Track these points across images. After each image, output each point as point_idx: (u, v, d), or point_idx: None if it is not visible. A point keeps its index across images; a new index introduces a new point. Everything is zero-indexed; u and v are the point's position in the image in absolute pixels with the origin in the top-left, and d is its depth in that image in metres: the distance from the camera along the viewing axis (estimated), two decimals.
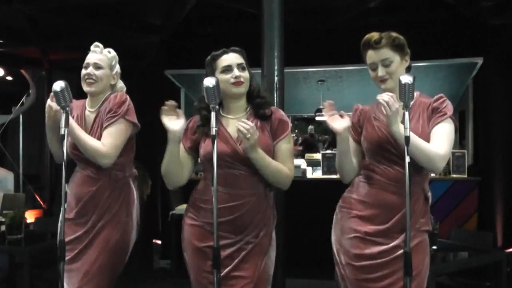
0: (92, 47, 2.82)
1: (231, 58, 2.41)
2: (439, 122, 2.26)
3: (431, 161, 2.19)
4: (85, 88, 2.77)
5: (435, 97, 2.32)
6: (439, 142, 2.22)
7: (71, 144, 2.67)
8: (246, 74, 2.42)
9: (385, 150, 2.28)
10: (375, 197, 2.30)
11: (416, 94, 2.30)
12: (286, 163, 2.39)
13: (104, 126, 2.68)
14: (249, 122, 2.20)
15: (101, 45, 2.83)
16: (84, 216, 2.70)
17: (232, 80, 2.37)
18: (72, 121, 2.56)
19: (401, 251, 2.18)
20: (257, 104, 2.44)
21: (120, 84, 2.90)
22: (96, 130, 2.73)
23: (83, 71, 2.77)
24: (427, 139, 2.23)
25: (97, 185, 2.70)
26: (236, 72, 2.38)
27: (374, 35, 2.32)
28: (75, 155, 2.73)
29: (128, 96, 2.78)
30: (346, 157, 2.36)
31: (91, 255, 2.67)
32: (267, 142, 2.37)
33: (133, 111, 2.74)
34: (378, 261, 2.26)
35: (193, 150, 2.46)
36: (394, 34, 2.33)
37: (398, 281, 2.19)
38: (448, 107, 2.28)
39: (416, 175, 2.23)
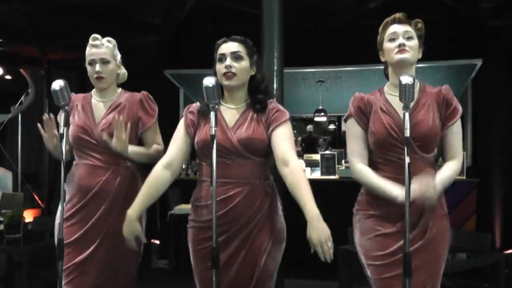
0: (91, 41, 2.72)
1: (227, 46, 2.33)
2: (454, 122, 2.30)
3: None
4: (97, 85, 2.73)
5: (444, 87, 2.33)
6: (456, 149, 2.32)
7: (78, 133, 2.64)
8: (241, 64, 2.31)
9: (393, 145, 2.25)
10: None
11: (419, 84, 2.34)
12: (285, 147, 2.23)
13: (147, 127, 2.74)
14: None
15: (99, 37, 2.74)
16: (92, 208, 2.62)
17: (223, 71, 2.29)
18: (131, 146, 2.64)
19: (420, 242, 2.22)
20: (257, 100, 2.36)
21: (123, 70, 2.85)
22: (117, 116, 2.64)
23: (90, 69, 2.70)
24: (436, 130, 2.26)
25: (107, 173, 2.64)
26: (227, 61, 2.29)
27: (399, 13, 2.33)
28: (83, 142, 2.66)
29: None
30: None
31: (109, 248, 2.62)
32: (262, 134, 2.30)
33: None
34: (398, 256, 2.20)
35: (193, 137, 2.38)
36: (418, 19, 2.35)
37: (420, 275, 2.18)
38: (456, 101, 2.33)
39: (421, 162, 2.25)
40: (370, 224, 2.32)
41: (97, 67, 2.68)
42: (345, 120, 2.42)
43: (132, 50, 6.86)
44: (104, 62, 2.70)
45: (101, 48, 2.70)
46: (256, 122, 2.32)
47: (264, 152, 2.31)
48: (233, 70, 2.30)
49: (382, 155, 2.30)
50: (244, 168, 2.26)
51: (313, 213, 2.04)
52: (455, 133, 2.31)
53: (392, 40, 2.30)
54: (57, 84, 2.30)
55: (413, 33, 2.30)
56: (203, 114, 2.36)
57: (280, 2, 3.85)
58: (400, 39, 2.28)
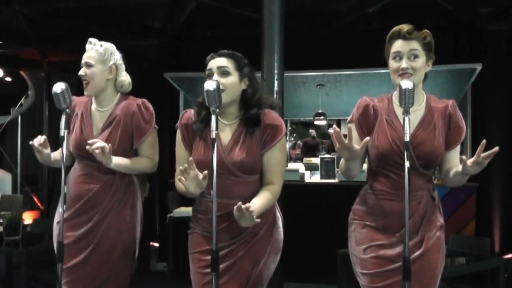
0: (87, 45, 2.69)
1: (214, 62, 2.31)
2: (459, 144, 2.30)
3: None
4: (85, 92, 2.67)
5: (451, 103, 2.30)
6: (458, 161, 2.28)
7: (77, 144, 2.63)
8: (228, 80, 2.28)
9: (394, 161, 2.21)
10: (382, 208, 2.25)
11: (426, 98, 2.31)
12: (274, 175, 2.30)
13: (143, 139, 2.66)
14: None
15: (94, 40, 2.68)
16: (85, 215, 2.61)
17: None
18: (116, 159, 2.52)
19: (417, 252, 2.21)
20: (250, 116, 2.30)
21: (122, 77, 2.74)
22: (113, 133, 2.63)
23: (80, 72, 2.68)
24: (440, 150, 2.24)
25: (102, 182, 2.62)
26: (214, 77, 2.26)
27: (406, 26, 2.22)
28: (81, 156, 2.65)
29: (148, 102, 2.73)
30: (353, 169, 2.31)
31: (103, 255, 2.61)
32: (256, 154, 2.28)
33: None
34: (396, 265, 2.19)
35: (191, 149, 2.36)
36: (426, 31, 2.24)
37: (415, 285, 2.15)
38: (461, 118, 2.31)
39: (420, 178, 2.24)
40: (366, 234, 2.30)
41: (81, 70, 2.65)
42: (348, 123, 2.38)
43: (132, 53, 6.84)
44: (88, 65, 2.64)
45: (90, 52, 2.66)
46: (250, 141, 2.29)
47: (259, 170, 2.31)
48: (221, 86, 2.23)
49: (381, 169, 2.27)
50: (241, 185, 2.27)
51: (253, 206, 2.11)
52: (457, 151, 2.32)
53: (396, 58, 2.23)
54: (58, 87, 2.30)
55: (419, 49, 2.21)
56: (196, 132, 2.33)
57: (281, 6, 3.86)
58: (405, 60, 2.20)
